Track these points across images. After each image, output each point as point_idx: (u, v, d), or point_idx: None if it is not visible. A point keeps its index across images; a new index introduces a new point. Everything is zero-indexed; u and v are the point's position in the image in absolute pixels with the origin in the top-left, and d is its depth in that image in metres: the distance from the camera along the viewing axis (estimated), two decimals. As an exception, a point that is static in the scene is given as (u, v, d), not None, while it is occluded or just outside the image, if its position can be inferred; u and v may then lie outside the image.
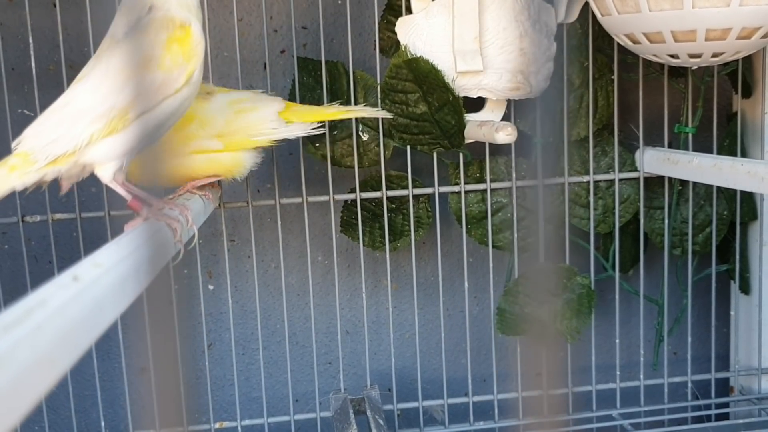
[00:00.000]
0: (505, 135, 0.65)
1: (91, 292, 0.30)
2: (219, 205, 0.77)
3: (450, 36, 0.72)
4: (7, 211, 0.79)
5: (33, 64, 0.74)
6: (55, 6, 0.75)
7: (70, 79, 0.72)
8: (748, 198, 0.84)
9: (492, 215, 0.82)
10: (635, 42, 0.66)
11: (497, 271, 0.86)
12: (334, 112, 0.68)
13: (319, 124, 0.66)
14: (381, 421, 0.77)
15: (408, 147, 0.78)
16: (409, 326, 0.90)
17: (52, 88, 0.79)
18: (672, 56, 0.65)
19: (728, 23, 0.59)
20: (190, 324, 0.87)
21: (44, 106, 0.76)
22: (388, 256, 0.81)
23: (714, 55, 0.63)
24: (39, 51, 0.77)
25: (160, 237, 0.46)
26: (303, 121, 0.64)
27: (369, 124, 0.79)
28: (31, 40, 0.74)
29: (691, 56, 0.64)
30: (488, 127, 0.68)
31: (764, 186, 0.62)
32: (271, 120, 0.63)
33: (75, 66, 0.69)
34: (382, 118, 0.77)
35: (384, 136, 0.79)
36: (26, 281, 0.78)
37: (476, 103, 0.78)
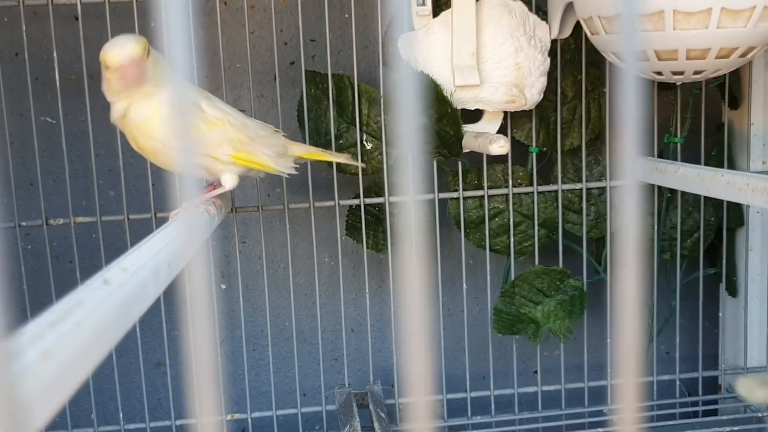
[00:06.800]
0: (498, 147, 0.69)
1: (119, 293, 0.34)
2: (231, 209, 0.81)
3: (449, 52, 0.77)
4: (31, 214, 0.84)
5: (56, 75, 0.79)
6: (77, 19, 0.80)
7: (91, 88, 0.77)
8: (735, 205, 0.88)
9: (489, 220, 0.86)
10: (622, 59, 0.70)
11: (496, 273, 0.90)
12: (320, 154, 0.74)
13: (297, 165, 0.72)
14: (383, 414, 0.81)
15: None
16: (411, 325, 0.94)
17: (73, 97, 0.84)
18: (657, 73, 0.69)
19: (707, 44, 0.63)
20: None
21: (66, 115, 0.82)
22: (390, 257, 0.85)
23: (695, 73, 0.67)
24: (61, 62, 0.81)
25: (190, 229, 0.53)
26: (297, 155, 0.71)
27: (373, 134, 0.84)
28: (54, 53, 0.79)
29: (674, 73, 0.68)
30: (483, 138, 0.72)
31: (742, 196, 0.65)
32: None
33: (95, 76, 0.73)
34: (385, 130, 0.81)
35: (386, 145, 0.83)
36: (49, 280, 0.82)
37: (474, 115, 0.82)
